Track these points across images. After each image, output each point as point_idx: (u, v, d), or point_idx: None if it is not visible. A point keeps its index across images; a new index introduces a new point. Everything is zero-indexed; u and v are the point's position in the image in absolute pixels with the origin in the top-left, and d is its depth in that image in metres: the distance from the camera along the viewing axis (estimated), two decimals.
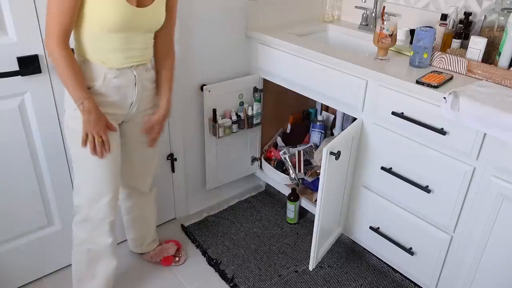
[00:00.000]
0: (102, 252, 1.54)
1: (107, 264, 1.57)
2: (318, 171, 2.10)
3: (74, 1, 1.17)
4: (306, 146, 2.21)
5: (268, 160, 2.24)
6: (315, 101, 2.34)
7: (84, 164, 1.40)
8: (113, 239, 1.54)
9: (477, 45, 1.51)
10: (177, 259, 1.89)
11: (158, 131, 1.52)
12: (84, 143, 1.33)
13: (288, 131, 2.36)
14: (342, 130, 2.02)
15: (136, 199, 1.73)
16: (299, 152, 2.13)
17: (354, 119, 1.68)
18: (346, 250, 1.99)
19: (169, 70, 1.51)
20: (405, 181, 1.54)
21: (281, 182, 2.17)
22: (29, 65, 1.43)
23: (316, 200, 1.66)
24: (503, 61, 1.45)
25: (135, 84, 1.38)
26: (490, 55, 1.55)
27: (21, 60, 1.41)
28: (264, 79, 2.06)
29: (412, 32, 1.79)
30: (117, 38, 1.27)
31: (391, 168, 1.59)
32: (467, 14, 1.67)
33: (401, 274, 1.79)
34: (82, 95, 1.26)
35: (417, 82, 1.41)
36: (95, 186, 1.42)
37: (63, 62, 1.22)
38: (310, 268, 1.73)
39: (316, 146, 2.25)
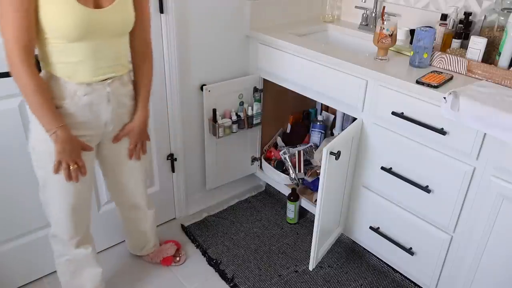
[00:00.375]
0: (82, 261, 1.51)
1: (90, 272, 1.55)
2: (318, 171, 2.10)
3: (26, 14, 1.06)
4: (306, 146, 2.21)
5: (268, 160, 2.24)
6: (315, 101, 2.34)
7: (53, 188, 1.32)
8: (90, 248, 1.51)
9: (477, 45, 1.51)
10: (177, 259, 1.89)
11: (134, 142, 1.44)
12: (57, 170, 1.26)
13: (288, 131, 2.36)
14: (342, 130, 2.02)
15: (135, 216, 1.69)
16: (299, 152, 2.13)
17: (354, 119, 1.68)
18: (346, 250, 1.99)
19: (147, 75, 1.41)
20: (405, 181, 1.54)
21: (281, 182, 2.17)
22: None
23: (316, 200, 1.66)
24: (503, 61, 1.45)
25: (109, 100, 1.28)
26: (490, 55, 1.55)
27: None
28: (264, 79, 2.06)
29: (412, 32, 1.79)
30: (83, 48, 1.17)
31: (391, 168, 1.59)
32: (467, 14, 1.67)
33: (401, 274, 1.79)
34: (54, 124, 1.17)
35: (417, 82, 1.41)
36: (62, 211, 1.36)
37: (31, 88, 1.12)
38: (310, 268, 1.73)
39: (316, 146, 2.25)
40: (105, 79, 1.25)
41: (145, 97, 1.41)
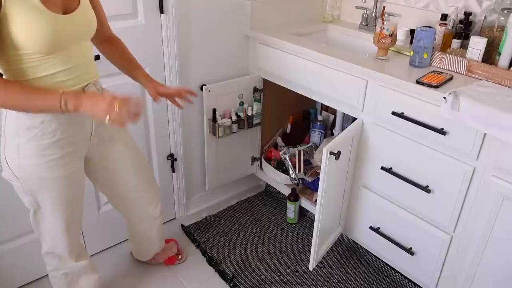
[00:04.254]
0: (79, 272, 1.48)
1: (88, 279, 1.52)
2: (318, 171, 2.09)
3: None
4: (306, 146, 2.21)
5: (268, 160, 2.24)
6: (315, 101, 2.34)
7: (45, 209, 1.28)
8: (86, 261, 1.49)
9: (477, 45, 1.51)
10: (179, 257, 1.89)
11: (172, 96, 1.43)
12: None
13: (288, 131, 2.36)
14: (342, 130, 2.02)
15: (142, 227, 1.65)
16: (299, 152, 2.13)
17: (354, 119, 1.68)
18: (346, 250, 1.99)
19: (123, 47, 1.39)
20: (405, 181, 1.54)
21: (281, 182, 2.17)
22: None
23: (316, 200, 1.66)
24: (503, 61, 1.45)
25: None
26: (490, 55, 1.55)
27: None
28: (264, 79, 2.06)
29: (412, 32, 1.79)
30: (60, 58, 1.10)
31: (391, 168, 1.59)
32: (467, 14, 1.67)
33: (401, 274, 1.79)
34: (56, 96, 1.06)
35: (417, 82, 1.41)
36: (59, 228, 1.33)
37: (5, 93, 1.03)
38: (310, 268, 1.73)
39: (316, 146, 2.25)
40: (84, 87, 1.20)
41: (141, 69, 1.41)
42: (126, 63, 1.41)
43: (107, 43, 1.38)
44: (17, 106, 1.08)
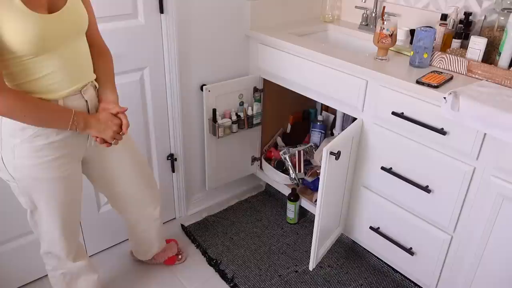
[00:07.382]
0: (78, 273, 1.48)
1: (87, 280, 1.52)
2: (318, 171, 2.10)
3: None
4: (306, 146, 2.21)
5: (268, 160, 2.24)
6: (315, 101, 2.34)
7: (42, 210, 1.28)
8: (85, 261, 1.48)
9: (477, 45, 1.51)
10: (179, 257, 1.89)
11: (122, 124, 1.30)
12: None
13: (288, 131, 2.36)
14: (342, 130, 2.02)
15: (141, 227, 1.65)
16: (299, 152, 2.13)
17: (354, 119, 1.68)
18: (346, 250, 1.99)
19: (110, 62, 1.33)
20: (405, 181, 1.54)
21: (281, 182, 2.17)
22: None
23: (316, 200, 1.66)
24: (503, 61, 1.45)
25: (88, 111, 1.23)
26: (490, 55, 1.55)
27: None
28: (264, 79, 2.06)
29: (412, 32, 1.79)
30: (52, 58, 1.09)
31: (391, 168, 1.59)
32: (467, 14, 1.67)
33: (401, 274, 1.79)
34: (68, 116, 1.13)
35: (417, 82, 1.41)
36: (55, 229, 1.33)
37: (20, 105, 1.06)
38: (310, 268, 1.73)
39: (316, 146, 2.25)
40: (81, 88, 1.20)
41: (113, 79, 1.33)
42: (103, 79, 1.31)
43: (91, 49, 1.27)
44: (30, 118, 1.10)
